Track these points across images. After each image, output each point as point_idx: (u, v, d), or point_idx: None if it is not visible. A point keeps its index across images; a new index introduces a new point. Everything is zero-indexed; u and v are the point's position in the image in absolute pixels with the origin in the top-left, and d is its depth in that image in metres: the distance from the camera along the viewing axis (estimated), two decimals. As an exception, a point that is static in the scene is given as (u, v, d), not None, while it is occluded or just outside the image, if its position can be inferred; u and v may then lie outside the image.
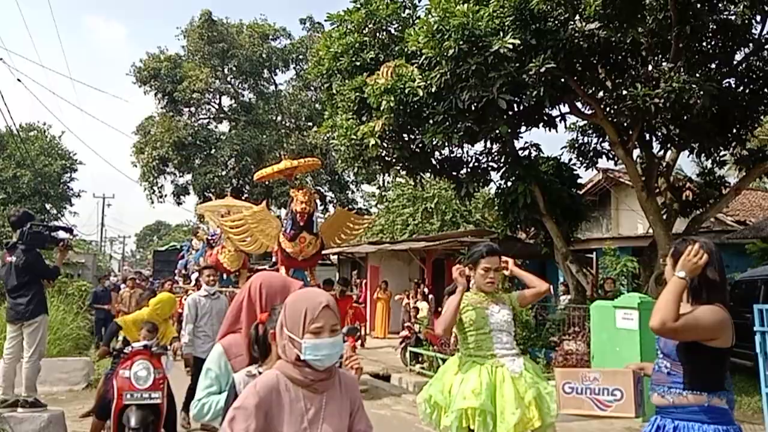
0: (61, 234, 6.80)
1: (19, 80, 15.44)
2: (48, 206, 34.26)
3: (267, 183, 26.54)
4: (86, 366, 9.58)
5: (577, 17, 8.02)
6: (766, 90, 8.49)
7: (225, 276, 13.38)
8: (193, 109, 30.80)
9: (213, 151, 29.14)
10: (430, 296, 14.44)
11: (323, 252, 13.00)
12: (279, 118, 30.77)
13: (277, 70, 31.44)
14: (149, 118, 30.62)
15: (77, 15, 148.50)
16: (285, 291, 2.41)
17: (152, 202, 30.30)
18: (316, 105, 28.93)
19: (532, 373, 3.71)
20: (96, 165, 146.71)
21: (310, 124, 29.70)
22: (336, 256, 22.12)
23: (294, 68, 31.36)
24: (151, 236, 75.73)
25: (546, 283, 3.98)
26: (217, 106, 31.60)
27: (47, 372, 7.62)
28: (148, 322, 5.83)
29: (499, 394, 3.57)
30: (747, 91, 8.57)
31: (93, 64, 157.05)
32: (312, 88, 29.81)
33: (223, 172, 28.99)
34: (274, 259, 11.84)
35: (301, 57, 30.37)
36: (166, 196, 30.49)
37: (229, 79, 31.13)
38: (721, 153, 9.55)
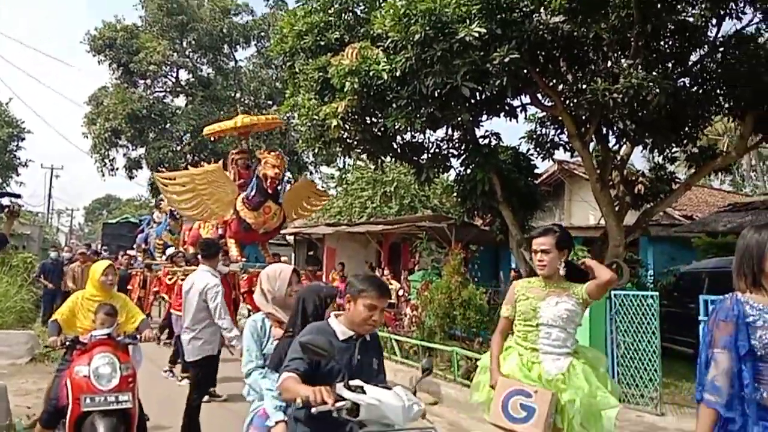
0: (5, 200, 6.47)
1: (-36, 41, 14.70)
2: (-7, 175, 33.07)
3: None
4: (30, 339, 9.36)
5: (542, 10, 8.12)
6: (718, 91, 8.74)
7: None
8: (148, 81, 30.05)
9: (168, 125, 28.54)
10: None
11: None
12: (238, 95, 30.31)
13: (238, 47, 30.93)
14: (102, 89, 29.79)
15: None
16: None
17: (103, 175, 29.57)
18: (277, 84, 28.57)
19: (578, 377, 3.47)
20: (45, 134, 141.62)
21: (270, 102, 29.33)
22: (293, 237, 22.01)
23: (255, 45, 30.93)
24: (100, 210, 73.83)
25: (609, 273, 3.55)
26: (174, 80, 30.90)
27: (-10, 345, 7.41)
28: (104, 304, 4.68)
29: None
30: (700, 91, 8.83)
31: (46, 31, 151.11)
32: (273, 67, 29.41)
33: (178, 147, 28.40)
34: (220, 232, 10.75)
35: (263, 34, 29.91)
36: (117, 169, 29.79)
37: (187, 52, 30.45)
38: (673, 150, 9.84)
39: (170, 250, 12.18)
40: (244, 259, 9.97)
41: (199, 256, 6.64)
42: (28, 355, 9.02)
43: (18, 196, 7.09)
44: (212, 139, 15.63)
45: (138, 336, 4.75)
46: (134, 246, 17.93)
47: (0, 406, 5.83)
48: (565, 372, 3.48)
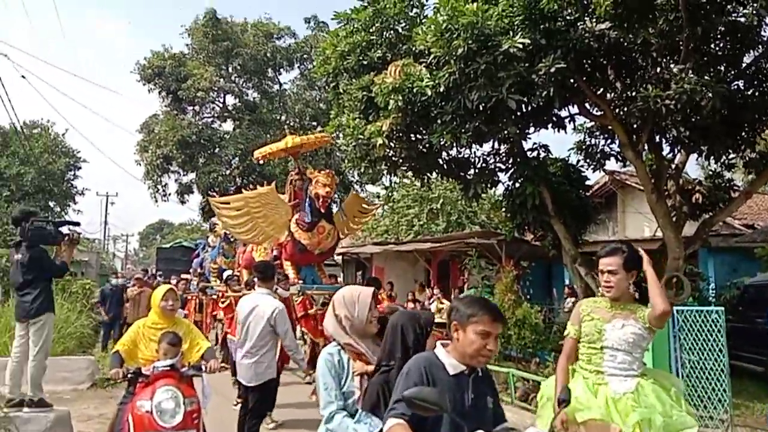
0: (65, 229, 6.63)
1: (23, 77, 15.44)
2: (52, 204, 34.35)
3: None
4: (91, 365, 9.56)
5: (587, 17, 7.95)
6: (775, 93, 8.40)
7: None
8: (197, 107, 30.83)
9: (217, 150, 29.14)
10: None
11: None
12: (283, 117, 30.77)
13: (282, 70, 31.50)
14: (153, 116, 30.68)
15: (81, 11, 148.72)
16: None
17: (156, 201, 30.36)
18: (321, 105, 28.91)
19: (648, 396, 3.29)
20: (100, 163, 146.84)
21: (315, 123, 29.66)
22: (340, 257, 22.04)
23: (298, 67, 31.39)
24: (154, 235, 75.90)
25: (662, 303, 3.31)
26: (221, 105, 31.60)
27: (51, 371, 7.59)
28: (168, 333, 4.43)
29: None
30: (756, 93, 8.49)
31: (97, 62, 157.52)
32: (316, 88, 29.80)
33: (227, 171, 28.96)
34: (275, 254, 10.67)
35: (305, 56, 30.37)
36: (169, 194, 30.56)
37: (233, 77, 31.14)
38: (730, 156, 9.46)
39: (227, 274, 12.35)
40: (301, 282, 9.90)
41: (255, 279, 6.62)
42: (89, 380, 9.21)
43: (77, 224, 7.28)
44: (261, 161, 15.69)
45: (203, 366, 4.46)
46: (190, 270, 18.21)
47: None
48: (634, 391, 3.31)
